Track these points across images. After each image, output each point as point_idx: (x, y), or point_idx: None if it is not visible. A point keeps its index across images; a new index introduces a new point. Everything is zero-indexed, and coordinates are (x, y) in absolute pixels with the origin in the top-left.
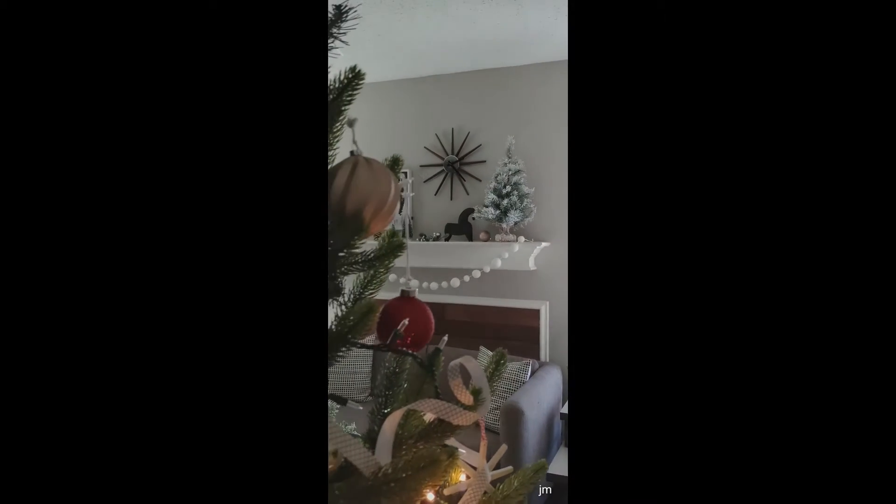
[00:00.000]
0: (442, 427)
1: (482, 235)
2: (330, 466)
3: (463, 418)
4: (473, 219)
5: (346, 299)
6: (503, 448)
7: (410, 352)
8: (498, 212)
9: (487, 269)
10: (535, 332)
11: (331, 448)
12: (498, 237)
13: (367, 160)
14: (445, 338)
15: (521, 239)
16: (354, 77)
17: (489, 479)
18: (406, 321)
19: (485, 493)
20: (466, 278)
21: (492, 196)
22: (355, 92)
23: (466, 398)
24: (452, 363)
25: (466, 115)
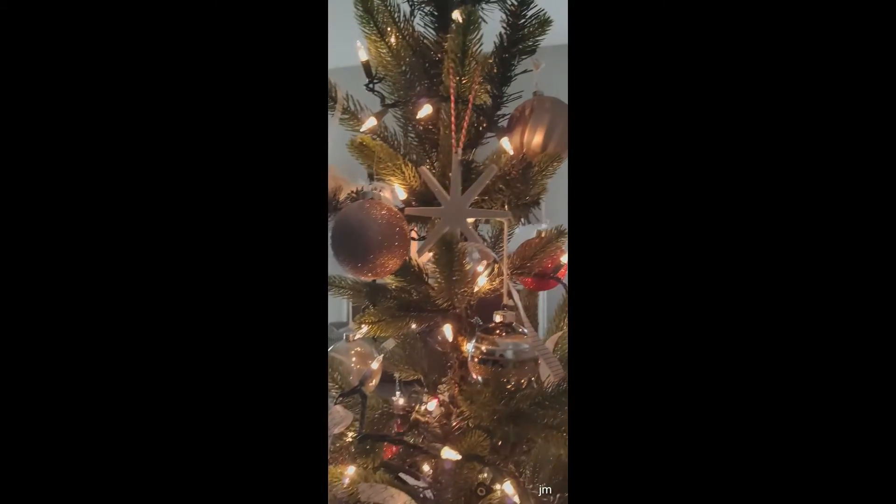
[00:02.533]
0: None
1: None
2: (531, 376)
3: None
4: None
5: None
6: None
7: (564, 282)
8: None
9: None
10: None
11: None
12: None
13: (552, 99)
14: None
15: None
16: (542, 24)
17: None
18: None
19: None
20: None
21: None
22: (540, 38)
23: None
24: None
25: None
